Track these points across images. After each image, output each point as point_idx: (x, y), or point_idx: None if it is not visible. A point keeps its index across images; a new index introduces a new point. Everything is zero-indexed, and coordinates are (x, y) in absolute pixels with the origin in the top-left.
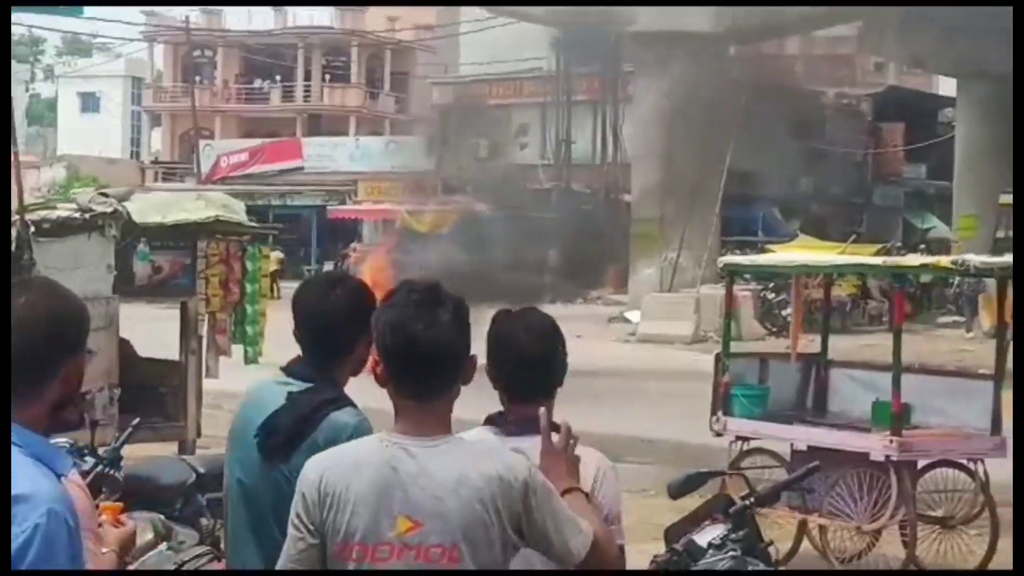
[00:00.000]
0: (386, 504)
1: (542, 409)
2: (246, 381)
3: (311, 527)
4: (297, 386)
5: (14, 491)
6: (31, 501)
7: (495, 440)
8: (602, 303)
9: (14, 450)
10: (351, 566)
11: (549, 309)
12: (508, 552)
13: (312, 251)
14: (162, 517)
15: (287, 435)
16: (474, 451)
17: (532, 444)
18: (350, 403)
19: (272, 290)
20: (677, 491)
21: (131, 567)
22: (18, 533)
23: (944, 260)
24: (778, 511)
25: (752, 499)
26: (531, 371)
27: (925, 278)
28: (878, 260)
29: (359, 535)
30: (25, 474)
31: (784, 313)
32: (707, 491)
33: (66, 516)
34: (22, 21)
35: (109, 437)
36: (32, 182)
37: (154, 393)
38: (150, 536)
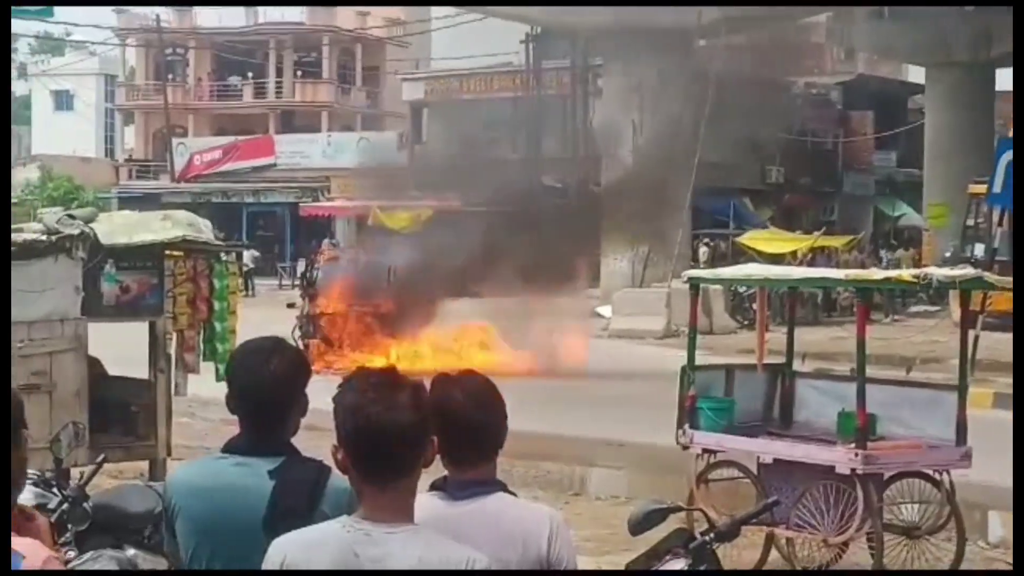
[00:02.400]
0: None
1: None
2: (219, 392)
3: None
4: (256, 463)
5: None
6: None
7: (439, 504)
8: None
9: None
10: None
11: (521, 301)
12: None
13: (286, 248)
14: (128, 553)
15: (300, 514)
16: (435, 539)
17: (478, 507)
18: (329, 467)
19: (247, 288)
20: (636, 528)
21: None
22: None
23: (906, 274)
24: (749, 529)
25: (712, 534)
26: (470, 437)
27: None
28: (840, 274)
29: None
30: None
31: (756, 307)
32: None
33: None
34: None
35: (83, 457)
36: None
37: (124, 412)
38: None
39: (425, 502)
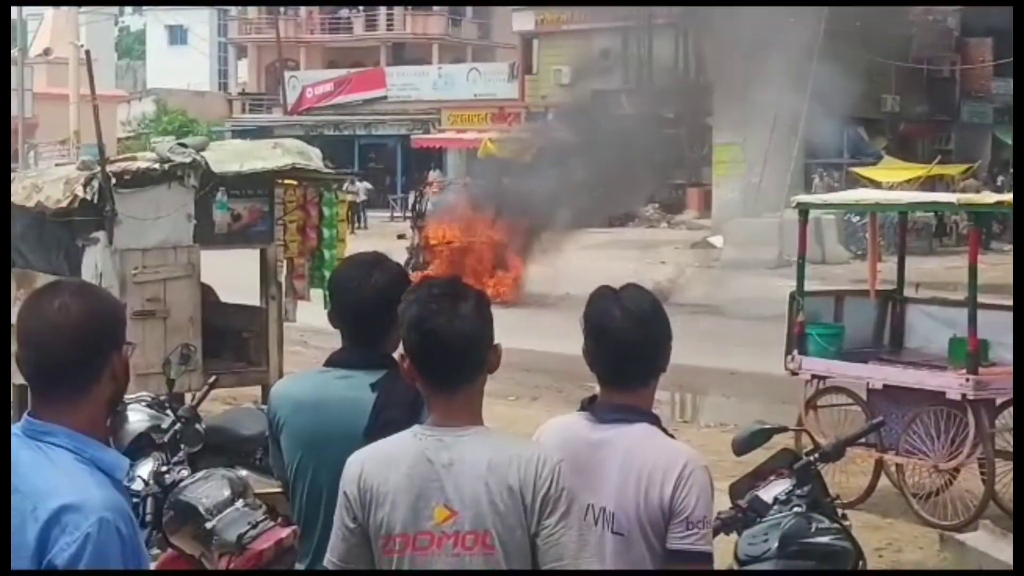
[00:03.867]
0: (423, 495)
1: None
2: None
3: (354, 524)
4: (359, 375)
5: (63, 500)
6: (81, 510)
7: (583, 426)
8: (686, 227)
9: (68, 456)
10: (395, 559)
11: (634, 233)
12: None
13: (398, 180)
14: (240, 473)
15: (401, 426)
16: (504, 438)
17: (615, 436)
18: None
19: (359, 220)
20: (741, 448)
21: (208, 524)
22: (68, 543)
23: None
24: (854, 449)
25: (817, 454)
26: (627, 357)
27: None
28: (952, 197)
29: (399, 527)
30: (76, 481)
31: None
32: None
33: (118, 524)
34: None
35: (196, 382)
36: (122, 116)
37: (236, 338)
38: (227, 493)
39: (566, 421)
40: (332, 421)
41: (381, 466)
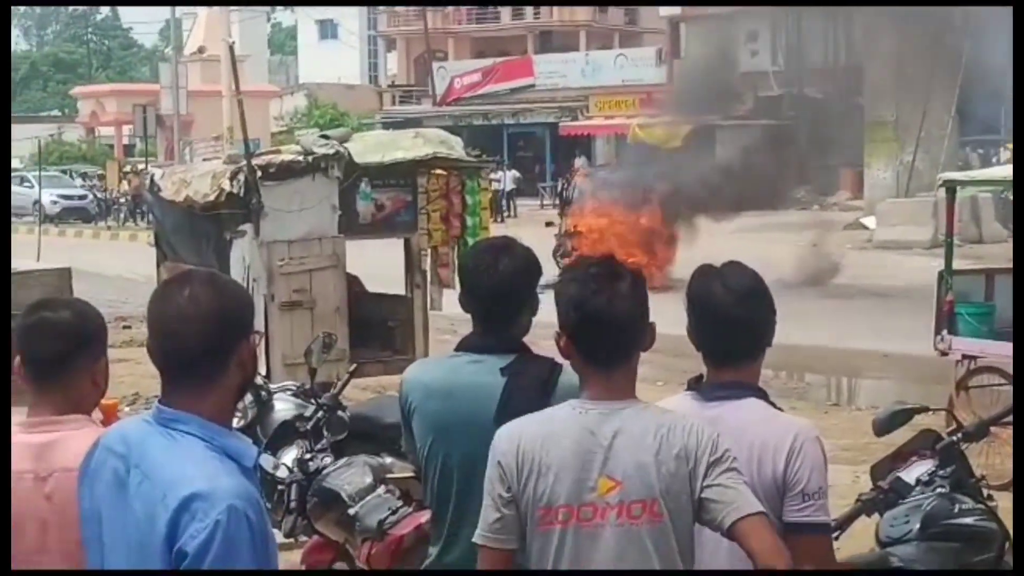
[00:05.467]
0: (587, 467)
1: None
2: None
3: (508, 496)
4: (489, 360)
5: (193, 488)
6: (211, 497)
7: (691, 406)
8: (838, 209)
9: (198, 444)
10: (557, 529)
11: (785, 215)
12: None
13: (547, 168)
14: (385, 461)
15: (531, 410)
16: (662, 410)
17: (725, 413)
18: (560, 364)
19: (507, 208)
20: (881, 428)
21: (351, 510)
22: (199, 530)
23: None
24: (1008, 430)
25: (960, 434)
26: (730, 334)
27: None
28: None
29: (563, 498)
30: (206, 469)
31: None
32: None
33: (248, 512)
34: None
35: (343, 371)
36: (275, 111)
37: (383, 327)
38: (368, 480)
39: (674, 402)
40: (462, 406)
41: (541, 438)
